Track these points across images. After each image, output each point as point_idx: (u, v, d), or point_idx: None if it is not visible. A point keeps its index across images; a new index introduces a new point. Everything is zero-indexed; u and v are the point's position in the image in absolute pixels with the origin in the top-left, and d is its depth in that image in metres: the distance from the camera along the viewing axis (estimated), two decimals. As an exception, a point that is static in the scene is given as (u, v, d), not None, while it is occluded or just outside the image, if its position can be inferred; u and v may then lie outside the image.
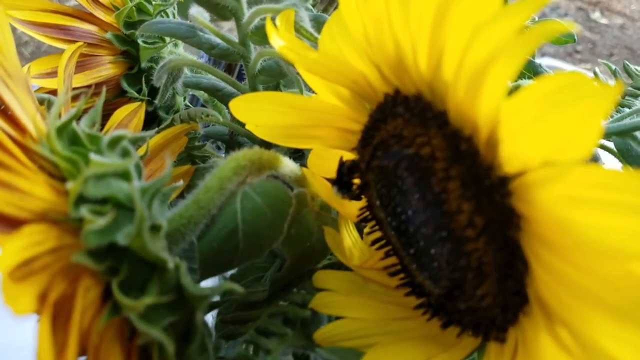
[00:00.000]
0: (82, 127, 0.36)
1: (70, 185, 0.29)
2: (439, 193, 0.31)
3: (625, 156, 0.59)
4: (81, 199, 0.30)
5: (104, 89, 0.39)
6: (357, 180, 0.42)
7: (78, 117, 0.36)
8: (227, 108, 0.60)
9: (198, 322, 0.33)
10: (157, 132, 0.48)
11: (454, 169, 0.31)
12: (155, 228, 0.33)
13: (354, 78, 0.36)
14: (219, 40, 0.51)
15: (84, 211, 0.29)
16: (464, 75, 0.27)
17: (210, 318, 0.44)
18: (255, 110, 0.42)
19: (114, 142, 0.34)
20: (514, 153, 0.26)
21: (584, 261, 0.25)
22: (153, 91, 0.57)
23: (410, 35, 0.30)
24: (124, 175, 0.33)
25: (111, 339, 0.29)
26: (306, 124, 0.41)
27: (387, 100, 0.35)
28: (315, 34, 0.41)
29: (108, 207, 0.31)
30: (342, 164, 0.41)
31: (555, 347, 0.28)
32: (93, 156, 0.31)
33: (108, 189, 0.32)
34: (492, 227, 0.30)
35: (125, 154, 0.34)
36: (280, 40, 0.37)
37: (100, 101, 0.38)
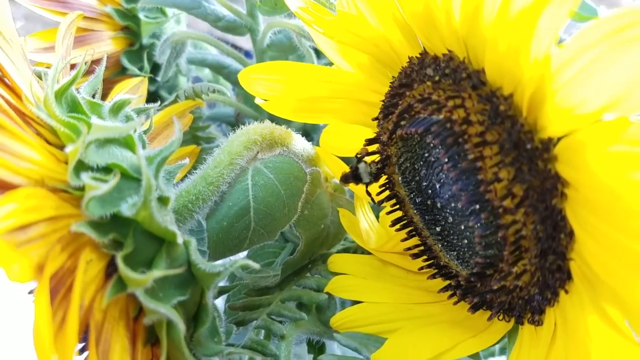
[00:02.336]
0: (82, 95, 0.33)
1: (69, 148, 0.26)
2: (473, 160, 0.29)
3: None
4: (81, 166, 0.28)
5: (105, 57, 0.36)
6: (373, 158, 0.39)
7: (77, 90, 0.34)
8: (233, 88, 0.57)
9: (209, 302, 0.31)
10: (161, 109, 0.45)
11: (492, 133, 0.28)
12: (162, 200, 0.30)
13: (375, 41, 0.34)
14: (225, 12, 0.49)
15: (85, 177, 0.26)
16: (508, 20, 0.24)
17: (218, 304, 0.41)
18: (266, 82, 0.39)
19: (117, 108, 0.32)
20: (566, 108, 0.23)
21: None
22: (155, 70, 0.55)
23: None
24: (128, 143, 0.30)
25: (115, 317, 0.26)
26: (322, 95, 0.38)
27: (412, 63, 0.32)
28: None
29: (111, 176, 0.28)
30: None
31: (601, 324, 0.26)
32: (95, 120, 0.28)
33: (111, 157, 0.29)
34: (534, 196, 0.27)
35: (128, 119, 0.32)
36: (297, 0, 0.34)
37: (101, 68, 0.35)
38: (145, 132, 0.37)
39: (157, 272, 0.26)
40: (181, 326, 0.26)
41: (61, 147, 0.29)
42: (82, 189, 0.27)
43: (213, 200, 0.35)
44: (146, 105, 0.36)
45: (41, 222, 0.24)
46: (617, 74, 0.21)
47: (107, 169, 0.29)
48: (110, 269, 0.27)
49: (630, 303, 0.23)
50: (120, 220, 0.27)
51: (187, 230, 0.35)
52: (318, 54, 0.49)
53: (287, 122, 0.42)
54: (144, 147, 0.34)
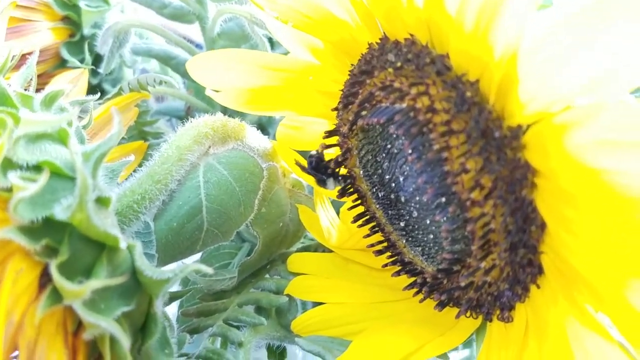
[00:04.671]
0: (12, 87, 0.30)
1: (-6, 146, 0.23)
2: (439, 151, 0.27)
3: None
4: (9, 165, 0.25)
5: (38, 46, 0.33)
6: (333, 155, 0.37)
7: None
8: (183, 80, 0.55)
9: (157, 312, 0.28)
10: (102, 103, 0.42)
11: (458, 122, 0.26)
12: (102, 201, 0.27)
13: (333, 26, 0.32)
14: (171, -2, 0.46)
15: (13, 177, 0.23)
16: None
17: (170, 311, 0.39)
18: (217, 71, 0.36)
19: (50, 100, 0.29)
20: (536, 93, 0.22)
21: (615, 212, 0.21)
22: (97, 62, 0.51)
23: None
24: (62, 138, 0.27)
25: (51, 333, 0.23)
26: (277, 85, 0.36)
27: (372, 49, 0.31)
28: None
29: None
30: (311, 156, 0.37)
31: (577, 319, 0.24)
32: (24, 113, 0.25)
33: (43, 154, 0.26)
34: (503, 187, 0.26)
35: (63, 112, 0.29)
36: (247, -17, 0.32)
37: (33, 58, 0.32)
38: (84, 127, 0.34)
39: (96, 282, 0.23)
40: (124, 342, 0.23)
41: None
42: (10, 190, 0.24)
43: (161, 199, 0.33)
44: (84, 98, 0.33)
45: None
46: (595, 56, 0.19)
47: (39, 168, 0.26)
48: (44, 278, 0.24)
49: (606, 295, 0.22)
50: (53, 224, 0.24)
51: (132, 233, 0.32)
52: (272, 43, 0.46)
53: (242, 116, 0.39)
54: (82, 143, 0.31)
